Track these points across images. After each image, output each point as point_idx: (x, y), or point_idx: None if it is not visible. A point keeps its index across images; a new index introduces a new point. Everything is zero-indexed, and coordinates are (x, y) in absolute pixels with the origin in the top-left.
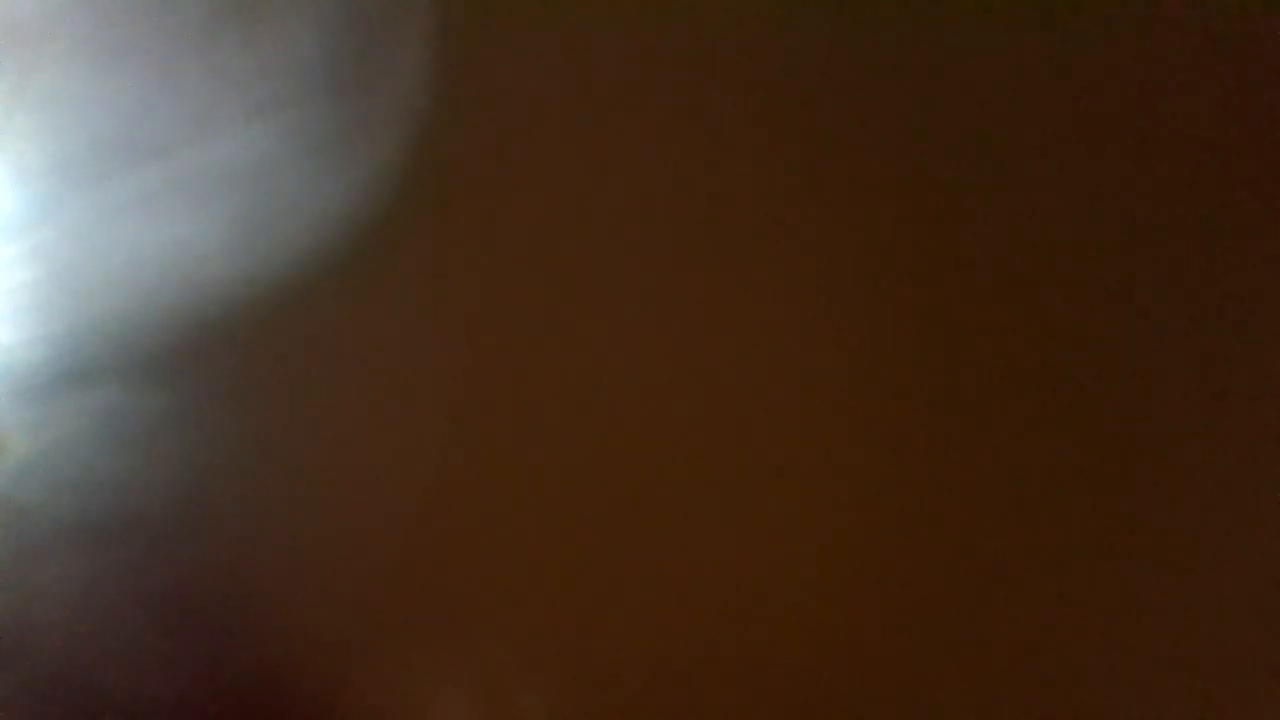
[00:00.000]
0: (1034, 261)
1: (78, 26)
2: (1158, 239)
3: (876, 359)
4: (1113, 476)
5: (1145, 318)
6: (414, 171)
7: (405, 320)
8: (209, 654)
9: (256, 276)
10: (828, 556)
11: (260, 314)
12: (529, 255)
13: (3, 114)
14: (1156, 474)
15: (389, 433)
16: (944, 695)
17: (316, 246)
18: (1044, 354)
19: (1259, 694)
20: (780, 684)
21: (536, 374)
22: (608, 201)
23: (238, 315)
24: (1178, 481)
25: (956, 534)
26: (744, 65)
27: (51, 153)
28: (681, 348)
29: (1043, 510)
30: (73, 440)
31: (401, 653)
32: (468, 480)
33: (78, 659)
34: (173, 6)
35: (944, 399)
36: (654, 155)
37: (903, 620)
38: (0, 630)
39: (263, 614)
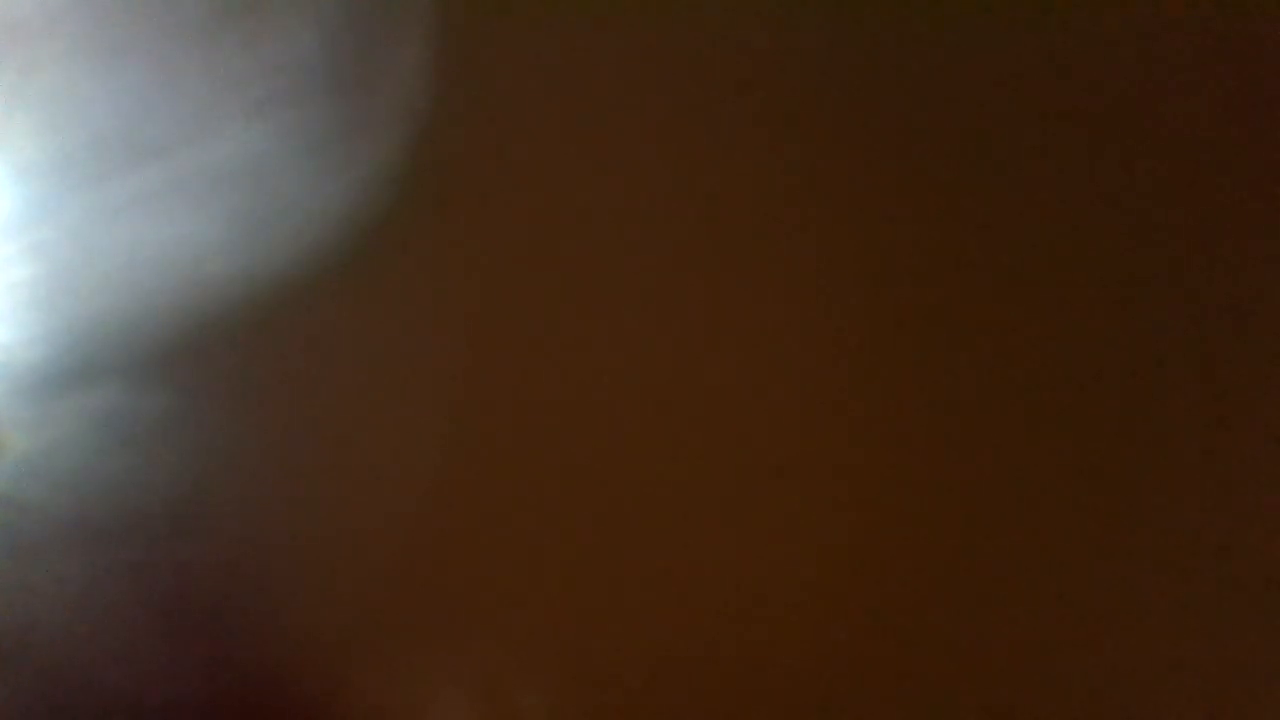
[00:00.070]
0: (1034, 262)
1: (78, 26)
2: (1158, 239)
3: (877, 359)
4: (1113, 476)
5: (1146, 318)
6: (414, 171)
7: (405, 320)
8: (209, 654)
9: (256, 276)
10: (828, 557)
11: (260, 314)
12: (529, 255)
13: (3, 113)
14: (1156, 474)
15: (389, 433)
16: (944, 695)
17: (316, 246)
18: (1044, 354)
19: (1259, 694)
20: (780, 684)
21: (537, 374)
22: (608, 202)
23: (238, 315)
24: (1178, 481)
25: (956, 534)
26: (744, 65)
27: (51, 152)
28: (682, 348)
29: (1043, 510)
30: (73, 440)
31: (401, 653)
32: (468, 480)
33: (78, 659)
34: (173, 6)
35: (944, 399)
36: (654, 155)
37: (903, 620)
38: (0, 630)
39: (263, 614)
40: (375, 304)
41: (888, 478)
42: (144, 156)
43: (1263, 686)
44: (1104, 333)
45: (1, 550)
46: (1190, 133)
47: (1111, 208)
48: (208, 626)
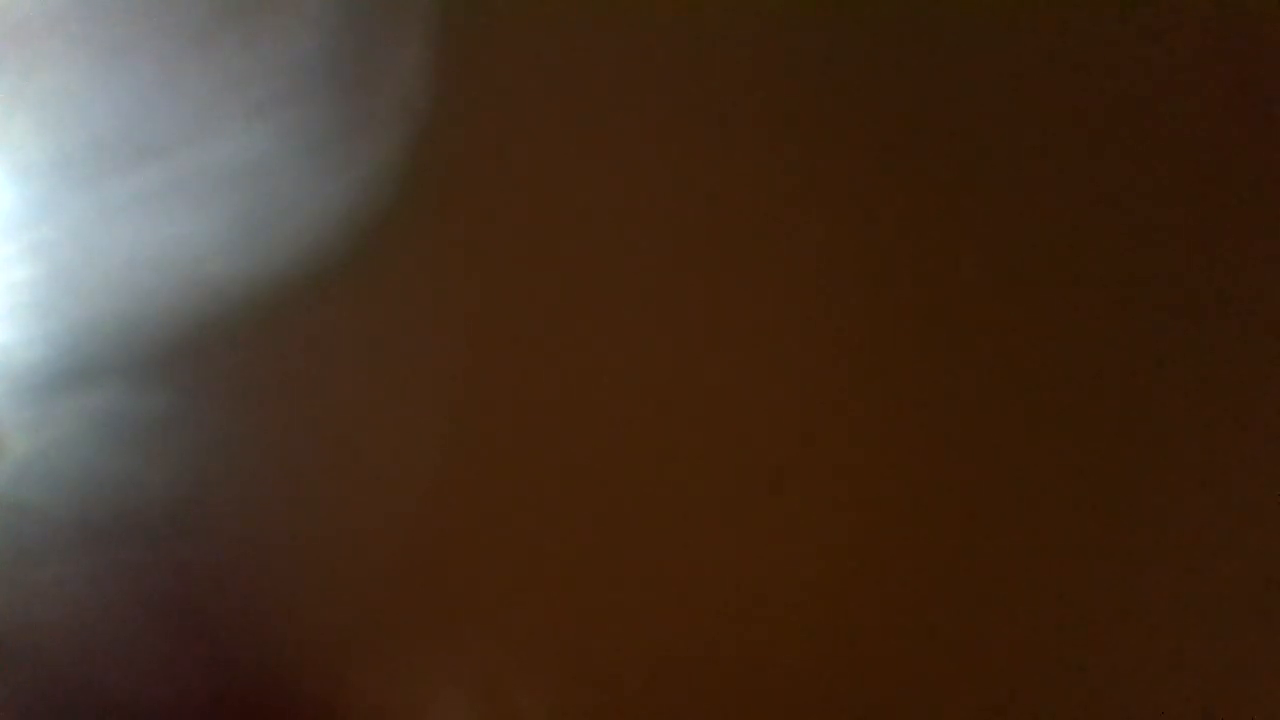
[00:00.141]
0: (1034, 262)
1: (78, 26)
2: (1158, 239)
3: (876, 359)
4: (1113, 476)
5: (1146, 318)
6: (414, 171)
7: (405, 320)
8: (209, 654)
9: (256, 276)
10: (828, 557)
11: (260, 314)
12: (529, 255)
13: (3, 113)
14: (1156, 474)
15: (389, 433)
16: (944, 695)
17: (316, 246)
18: (1044, 354)
19: (1259, 694)
20: (780, 684)
21: (537, 374)
22: (608, 202)
23: (238, 315)
24: (1178, 481)
25: (957, 534)
26: (744, 65)
27: (51, 152)
28: (682, 348)
29: (1043, 510)
30: (73, 440)
31: (401, 653)
32: (468, 480)
33: (78, 659)
34: (173, 6)
35: (944, 399)
36: (654, 155)
37: (903, 620)
38: (0, 630)
39: (263, 614)
40: (375, 304)
41: (888, 478)
42: (144, 156)
43: (1263, 686)
44: (1104, 333)
45: (2, 551)
46: (1190, 133)
47: (1111, 208)
48: (208, 626)
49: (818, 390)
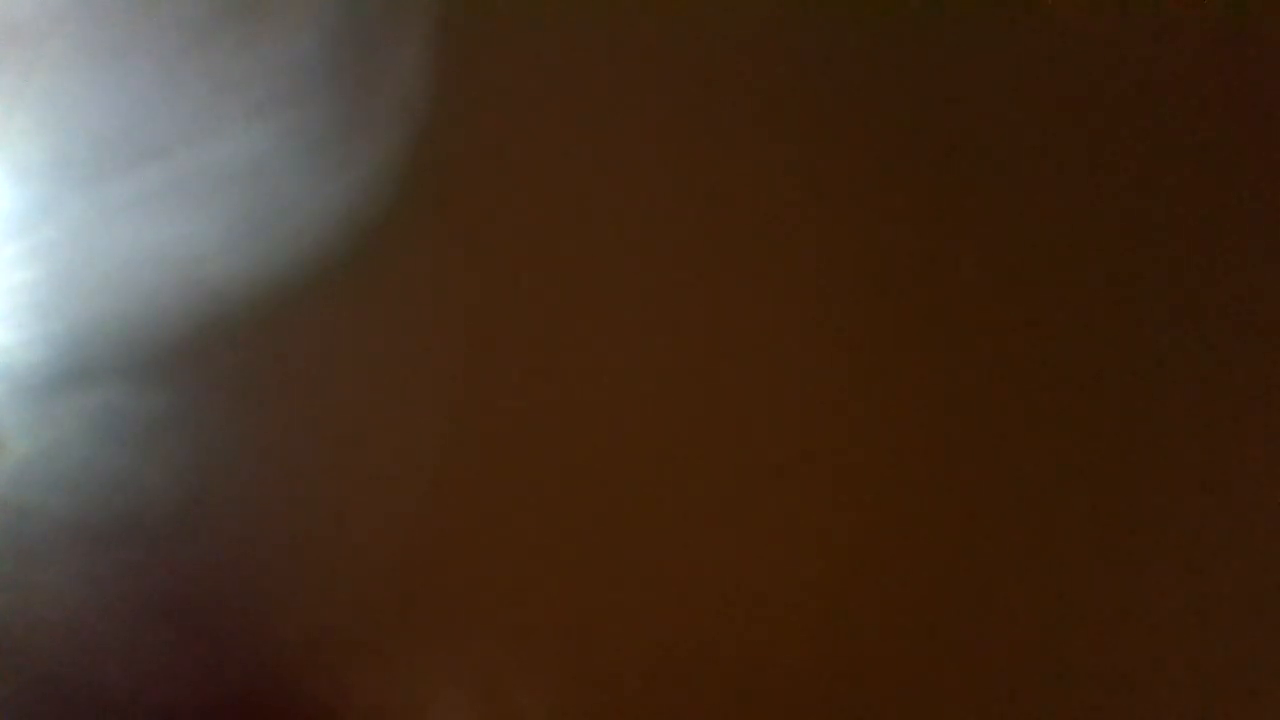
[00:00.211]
0: (1034, 262)
1: (78, 27)
2: (1158, 239)
3: (877, 359)
4: (1113, 476)
5: (1146, 318)
6: (414, 171)
7: (405, 320)
8: (209, 654)
9: (256, 276)
10: (828, 556)
11: (260, 314)
12: (529, 255)
13: (3, 113)
14: (1156, 474)
15: (389, 433)
16: (944, 695)
17: (316, 246)
18: (1044, 354)
19: (1259, 694)
20: (780, 684)
21: (537, 374)
22: (608, 201)
23: (238, 315)
24: (1178, 481)
25: (957, 534)
26: (744, 65)
27: (51, 152)
28: (682, 348)
29: (1043, 510)
30: (73, 440)
31: (401, 653)
32: (468, 480)
33: (78, 659)
34: (173, 7)
35: (944, 399)
36: (654, 155)
37: (903, 620)
38: (0, 630)
39: (263, 614)
40: (375, 304)
41: (888, 478)
42: (144, 156)
43: (1263, 686)
44: (1104, 333)
45: (2, 551)
46: (1190, 132)
47: (1112, 208)
48: (208, 626)
49: (818, 390)
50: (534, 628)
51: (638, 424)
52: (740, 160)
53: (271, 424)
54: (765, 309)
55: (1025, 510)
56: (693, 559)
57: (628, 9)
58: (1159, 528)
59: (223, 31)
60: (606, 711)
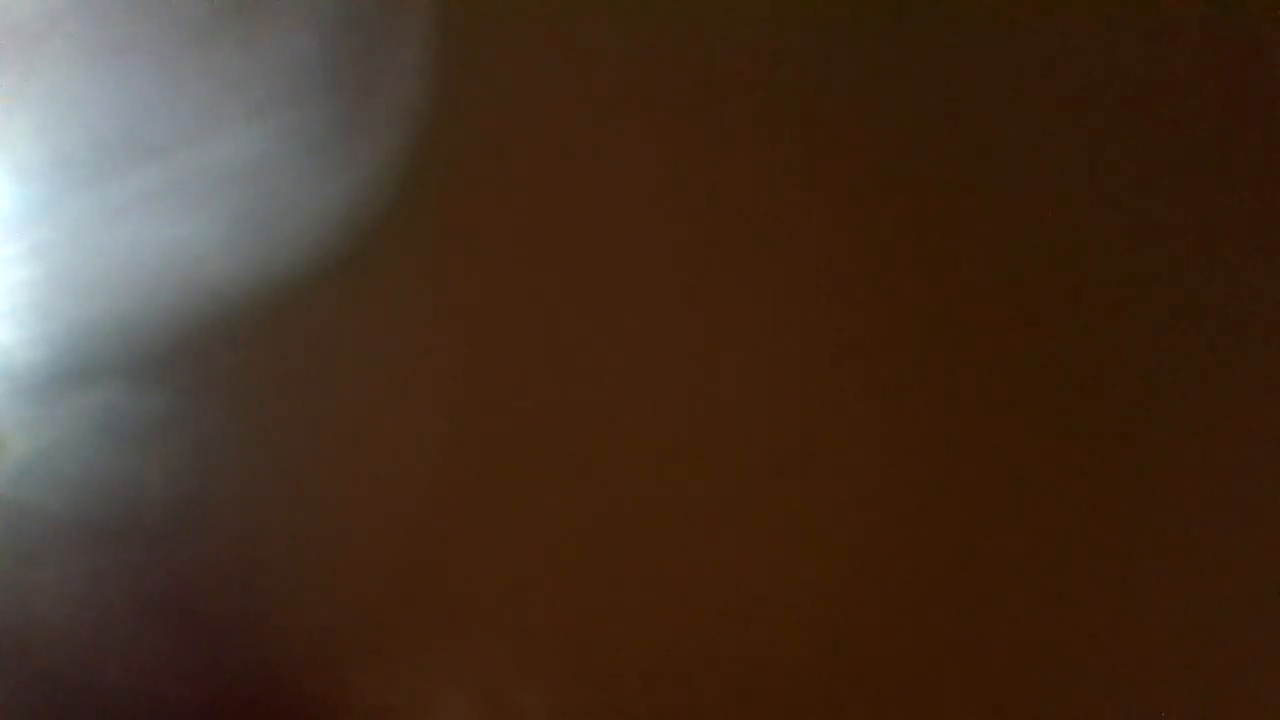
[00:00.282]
0: (1034, 262)
1: (78, 27)
2: (1158, 239)
3: (877, 359)
4: (1113, 476)
5: (1146, 318)
6: (414, 171)
7: (405, 320)
8: (209, 654)
9: (256, 276)
10: (828, 556)
11: (260, 314)
12: (529, 255)
13: (3, 113)
14: (1157, 474)
15: (389, 433)
16: (944, 695)
17: (316, 246)
18: (1044, 354)
19: (1259, 694)
20: (780, 684)
21: (536, 374)
22: (608, 201)
23: (238, 315)
24: (1178, 481)
25: (957, 534)
26: (744, 65)
27: (51, 152)
28: (682, 347)
29: (1043, 510)
30: (73, 440)
31: (401, 653)
32: (468, 480)
33: (78, 659)
34: (173, 6)
35: (944, 399)
36: (654, 155)
37: (903, 620)
38: (0, 630)
39: (263, 614)
40: (375, 304)
41: (888, 478)
42: (144, 156)
43: (1263, 686)
44: (1104, 333)
45: (2, 551)
46: (1190, 132)
47: (1111, 208)
48: (208, 626)
49: (818, 390)
50: (534, 628)
51: (637, 424)
52: (740, 160)
53: (271, 424)
54: (765, 309)
55: (1025, 510)
56: (692, 559)
57: (628, 9)
58: (1159, 528)
59: (223, 31)
60: (606, 711)
